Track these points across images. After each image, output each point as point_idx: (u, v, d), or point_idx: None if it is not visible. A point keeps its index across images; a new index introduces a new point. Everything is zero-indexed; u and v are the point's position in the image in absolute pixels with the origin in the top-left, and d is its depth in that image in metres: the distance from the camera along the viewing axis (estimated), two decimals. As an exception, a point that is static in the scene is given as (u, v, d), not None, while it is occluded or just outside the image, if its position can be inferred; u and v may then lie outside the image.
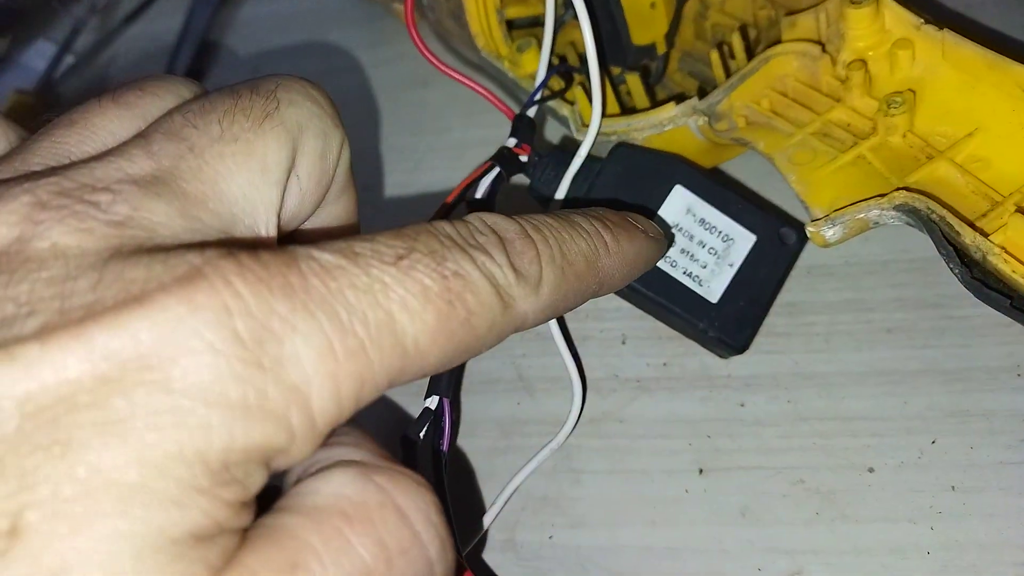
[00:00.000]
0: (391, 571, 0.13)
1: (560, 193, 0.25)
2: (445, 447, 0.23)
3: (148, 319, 0.12)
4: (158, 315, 0.12)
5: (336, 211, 0.20)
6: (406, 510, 0.14)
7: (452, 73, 0.26)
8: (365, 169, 0.36)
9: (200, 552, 0.12)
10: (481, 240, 0.16)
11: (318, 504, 0.13)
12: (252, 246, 0.14)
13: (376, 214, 0.34)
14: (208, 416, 0.12)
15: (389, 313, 0.14)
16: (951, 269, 0.21)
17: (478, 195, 0.24)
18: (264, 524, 0.13)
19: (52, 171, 0.14)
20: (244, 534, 0.13)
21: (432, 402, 0.23)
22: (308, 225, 0.19)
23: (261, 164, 0.16)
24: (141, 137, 0.15)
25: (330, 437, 0.14)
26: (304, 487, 0.14)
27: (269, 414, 0.12)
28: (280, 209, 0.16)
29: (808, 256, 0.26)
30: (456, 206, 0.24)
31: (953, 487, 0.22)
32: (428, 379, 0.23)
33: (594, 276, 0.19)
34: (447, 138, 0.36)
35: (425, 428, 0.22)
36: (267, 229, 0.16)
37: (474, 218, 0.17)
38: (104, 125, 0.16)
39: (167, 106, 0.17)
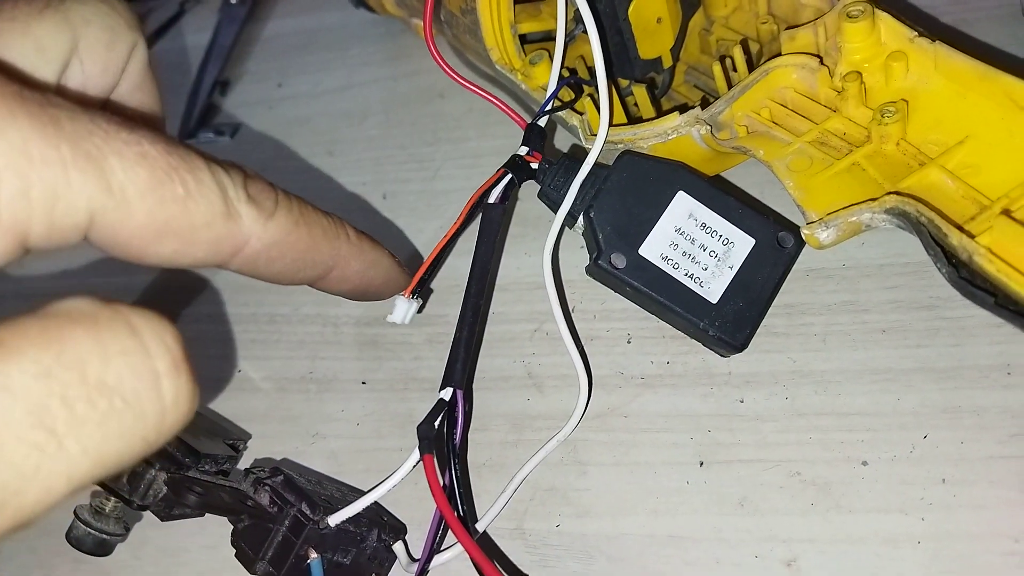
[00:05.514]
0: (107, 366, 0.14)
1: (568, 198, 0.26)
2: (458, 438, 0.24)
3: None
4: None
5: (133, 105, 0.21)
6: (138, 327, 0.14)
7: (468, 85, 0.28)
8: (386, 178, 0.38)
9: None
10: (225, 163, 0.17)
11: (47, 311, 0.14)
12: None
13: (396, 221, 0.35)
14: None
15: (100, 150, 0.15)
16: (939, 269, 0.22)
17: (491, 200, 0.26)
18: None
19: None
20: None
21: (446, 393, 0.24)
22: None
23: (36, 44, 0.18)
24: None
25: None
26: (42, 309, 0.14)
27: None
28: (55, 89, 0.18)
29: (806, 259, 0.27)
30: (476, 214, 0.25)
31: (944, 480, 0.23)
32: (443, 373, 0.24)
33: (331, 250, 0.21)
34: (464, 147, 0.37)
35: (440, 419, 0.24)
36: None
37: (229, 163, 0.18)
38: None
39: None
